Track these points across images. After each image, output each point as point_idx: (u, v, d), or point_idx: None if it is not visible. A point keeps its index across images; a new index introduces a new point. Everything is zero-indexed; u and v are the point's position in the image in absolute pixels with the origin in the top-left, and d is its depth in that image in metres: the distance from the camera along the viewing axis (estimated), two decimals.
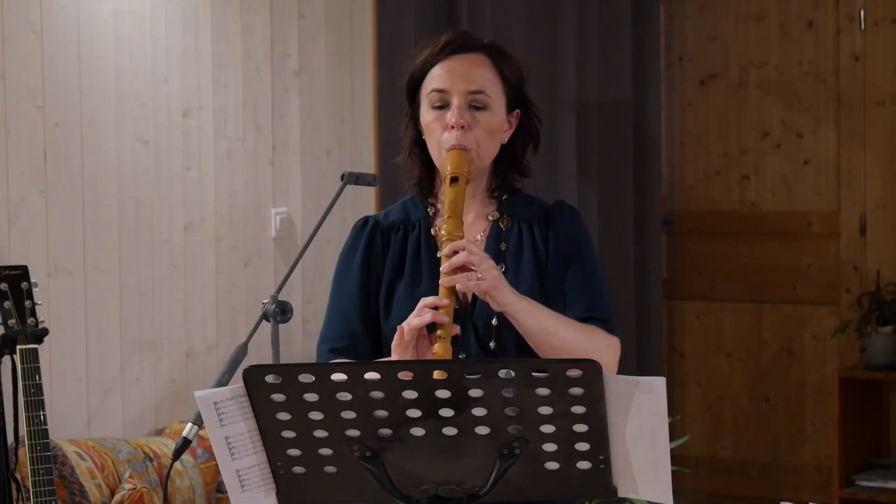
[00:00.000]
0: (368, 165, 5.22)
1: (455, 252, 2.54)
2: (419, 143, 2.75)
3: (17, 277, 3.46)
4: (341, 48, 5.18)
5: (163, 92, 4.55)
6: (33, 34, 4.16)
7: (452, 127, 2.65)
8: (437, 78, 2.68)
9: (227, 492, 2.37)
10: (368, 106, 5.25)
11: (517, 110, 2.75)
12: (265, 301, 3.65)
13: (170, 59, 4.57)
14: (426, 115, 2.69)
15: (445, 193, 2.63)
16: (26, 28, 4.15)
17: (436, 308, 2.49)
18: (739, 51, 6.39)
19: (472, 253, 2.54)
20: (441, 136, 2.67)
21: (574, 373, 2.11)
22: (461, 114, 2.65)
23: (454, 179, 2.62)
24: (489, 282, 2.53)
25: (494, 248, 2.72)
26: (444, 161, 2.66)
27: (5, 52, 4.09)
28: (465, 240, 2.58)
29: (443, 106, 2.67)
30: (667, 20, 6.49)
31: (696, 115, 6.50)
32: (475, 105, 2.67)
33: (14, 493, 3.44)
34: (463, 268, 2.53)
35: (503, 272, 2.67)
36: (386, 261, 2.74)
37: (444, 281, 2.52)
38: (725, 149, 6.45)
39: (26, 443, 3.37)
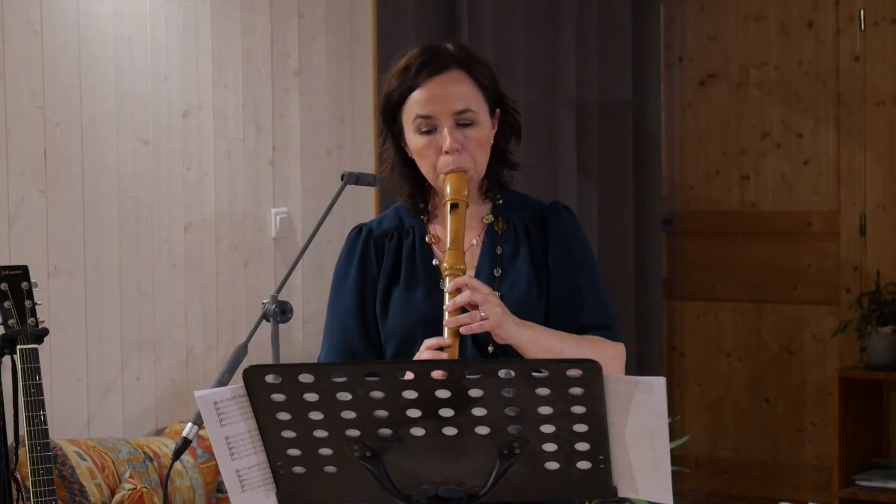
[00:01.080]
0: (368, 165, 5.22)
1: (458, 290, 2.53)
2: (407, 163, 2.73)
3: (17, 277, 3.45)
4: (341, 48, 5.18)
5: (163, 92, 4.55)
6: (33, 34, 4.16)
7: (447, 152, 2.64)
8: (419, 103, 2.65)
9: (227, 492, 2.37)
10: (368, 106, 5.25)
11: (497, 109, 2.74)
12: (265, 301, 3.66)
13: (170, 59, 4.57)
14: (415, 141, 2.67)
15: (448, 222, 2.60)
16: (26, 28, 4.15)
17: (440, 349, 2.49)
18: (739, 51, 6.39)
19: (475, 290, 2.52)
20: (435, 160, 2.65)
21: (574, 373, 2.11)
22: (454, 137, 2.63)
23: (454, 206, 2.61)
24: (493, 319, 2.52)
25: (490, 252, 2.71)
26: (441, 182, 2.65)
27: (5, 52, 4.09)
28: (467, 276, 2.56)
29: (430, 130, 2.65)
30: (667, 20, 6.49)
31: (696, 115, 6.50)
32: (463, 123, 2.65)
33: (14, 493, 3.44)
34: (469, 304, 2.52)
35: (499, 276, 2.67)
36: (381, 270, 2.73)
37: (448, 323, 2.50)
38: (725, 149, 6.45)
39: (26, 443, 3.37)
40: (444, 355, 2.47)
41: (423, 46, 2.73)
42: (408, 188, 2.75)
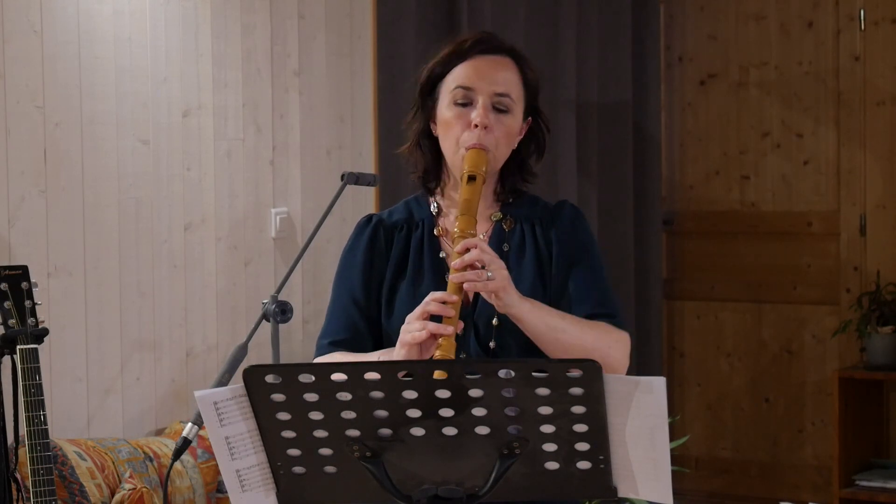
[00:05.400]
0: (368, 165, 5.22)
1: (467, 250, 2.54)
2: (429, 137, 2.75)
3: (17, 277, 3.45)
4: (341, 48, 5.18)
5: (163, 92, 4.55)
6: (33, 34, 4.16)
7: (475, 126, 2.65)
8: (463, 76, 2.68)
9: (227, 492, 2.37)
10: (368, 106, 5.25)
11: (529, 117, 2.75)
12: (265, 301, 3.66)
13: (170, 59, 4.57)
14: (446, 112, 2.69)
15: (461, 191, 2.63)
16: (26, 28, 4.15)
17: (444, 303, 2.50)
18: (739, 51, 6.39)
19: (484, 251, 2.54)
20: (460, 133, 2.67)
21: (574, 373, 2.11)
22: (486, 113, 2.65)
23: (472, 178, 2.62)
24: (498, 282, 2.53)
25: (497, 248, 2.72)
26: (459, 158, 2.67)
27: (5, 52, 4.09)
28: (476, 238, 2.58)
29: (466, 104, 2.67)
30: (667, 20, 6.49)
31: (696, 115, 6.50)
32: (498, 107, 2.67)
33: (14, 493, 3.44)
34: (473, 266, 2.54)
35: None
36: (389, 258, 2.75)
37: (453, 277, 2.52)
38: (725, 149, 6.45)
39: (26, 443, 3.37)
40: (450, 311, 2.48)
41: (480, 31, 2.78)
42: (423, 165, 2.76)
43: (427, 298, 2.52)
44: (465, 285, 2.52)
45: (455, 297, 2.50)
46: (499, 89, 2.67)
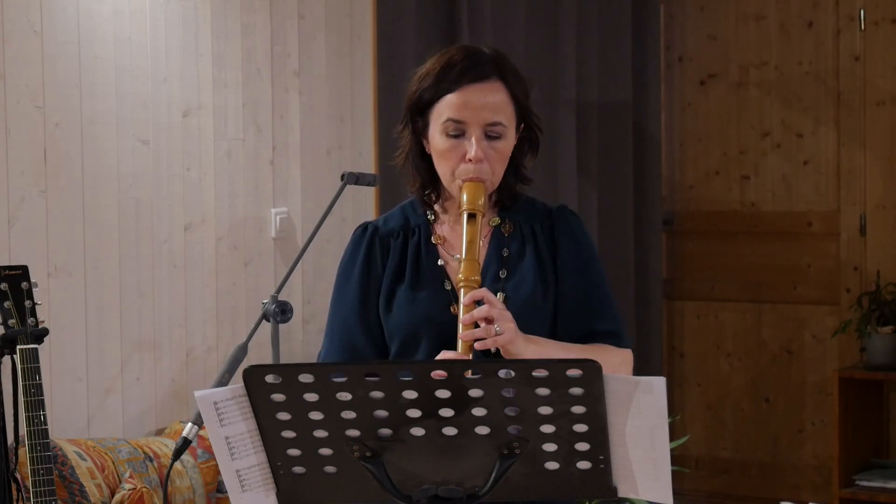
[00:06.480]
0: (368, 165, 5.22)
1: (474, 303, 2.53)
2: (424, 156, 2.74)
3: (17, 277, 3.45)
4: (341, 48, 5.18)
5: (163, 92, 4.55)
6: (33, 34, 4.16)
7: (471, 160, 2.64)
8: (453, 107, 2.65)
9: (227, 492, 2.37)
10: (368, 106, 5.25)
11: (521, 124, 2.75)
12: (265, 301, 3.67)
13: (170, 59, 4.57)
14: (439, 142, 2.67)
15: (464, 231, 2.61)
16: (26, 28, 4.15)
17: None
18: (739, 51, 6.39)
19: (492, 304, 2.54)
20: (455, 165, 2.65)
21: (574, 373, 2.11)
22: (480, 147, 2.64)
23: (471, 216, 2.62)
24: (507, 335, 2.53)
25: (497, 253, 2.72)
26: (456, 188, 2.66)
27: (5, 52, 4.09)
28: (483, 289, 2.57)
29: (458, 135, 2.65)
30: (667, 20, 6.49)
31: (696, 115, 6.50)
32: (491, 135, 2.66)
33: (14, 493, 3.44)
34: (483, 319, 2.53)
35: (504, 278, 2.68)
36: (385, 268, 2.74)
37: (463, 336, 2.51)
38: (725, 149, 6.45)
39: (26, 443, 3.37)
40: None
41: (465, 48, 2.73)
42: (420, 181, 2.75)
43: (438, 358, 2.51)
44: (476, 344, 2.52)
45: (466, 356, 2.50)
46: (490, 119, 2.64)
